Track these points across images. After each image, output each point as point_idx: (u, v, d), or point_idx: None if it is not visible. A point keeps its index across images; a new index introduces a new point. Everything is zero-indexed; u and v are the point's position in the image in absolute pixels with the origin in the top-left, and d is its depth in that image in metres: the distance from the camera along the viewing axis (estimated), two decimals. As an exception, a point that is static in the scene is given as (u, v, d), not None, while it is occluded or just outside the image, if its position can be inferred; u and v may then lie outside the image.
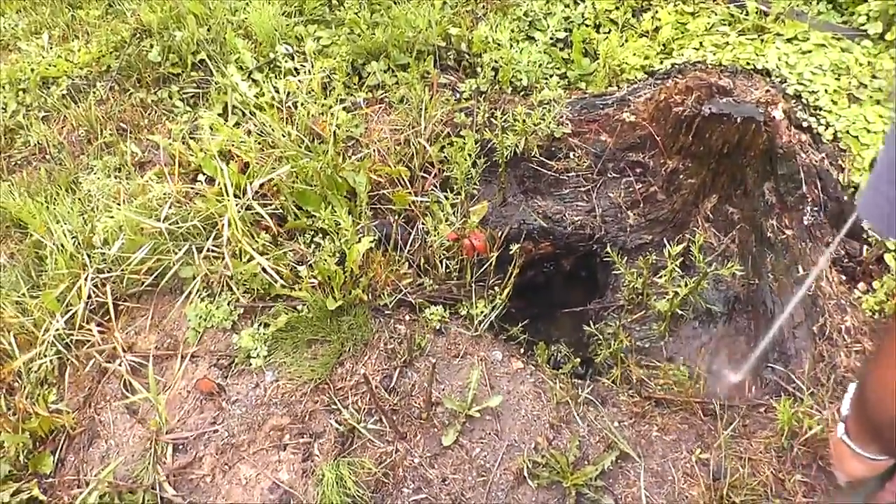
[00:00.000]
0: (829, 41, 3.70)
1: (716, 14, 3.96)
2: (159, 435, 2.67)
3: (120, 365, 2.83)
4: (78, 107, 3.97)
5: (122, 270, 2.97)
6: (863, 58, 3.61)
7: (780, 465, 2.66)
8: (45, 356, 2.85)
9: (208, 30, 4.13)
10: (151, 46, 4.16)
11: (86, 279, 2.95)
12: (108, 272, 3.01)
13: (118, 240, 2.99)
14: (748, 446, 2.64)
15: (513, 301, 3.14)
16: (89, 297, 2.94)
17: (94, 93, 4.04)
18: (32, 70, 4.25)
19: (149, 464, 2.61)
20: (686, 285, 3.12)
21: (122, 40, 4.33)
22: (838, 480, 1.41)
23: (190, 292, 2.96)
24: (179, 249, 2.98)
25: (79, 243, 3.10)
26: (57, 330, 2.87)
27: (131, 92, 4.02)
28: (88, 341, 2.90)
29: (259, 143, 3.30)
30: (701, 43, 3.82)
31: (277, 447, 2.62)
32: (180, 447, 2.66)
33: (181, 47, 4.05)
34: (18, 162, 3.85)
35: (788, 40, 3.76)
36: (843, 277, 3.25)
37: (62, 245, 3.07)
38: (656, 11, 4.05)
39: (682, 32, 3.93)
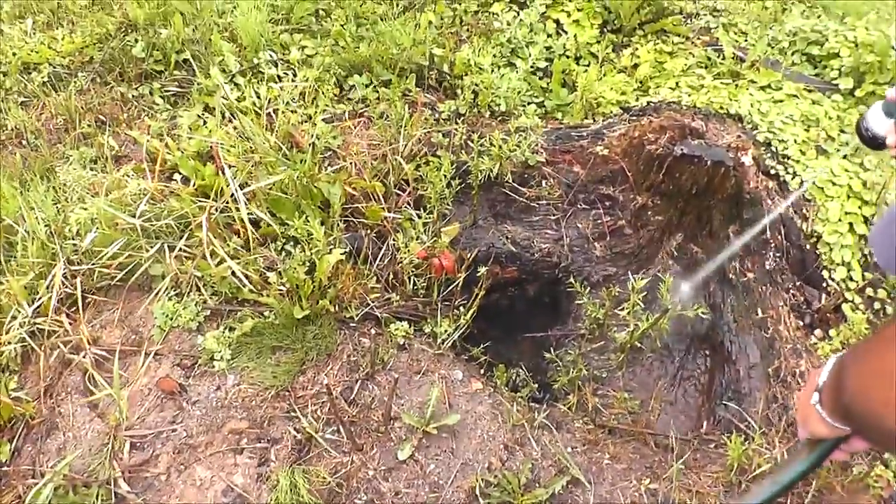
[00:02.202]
0: (801, 92, 3.81)
1: (693, 56, 4.06)
2: (118, 430, 2.68)
3: (84, 357, 2.84)
4: (58, 95, 3.97)
5: (94, 263, 2.98)
6: (832, 111, 3.72)
7: (727, 501, 2.73)
8: (10, 343, 2.85)
9: (194, 30, 4.15)
10: (136, 41, 4.17)
11: (57, 270, 2.95)
12: (79, 264, 3.01)
13: (91, 232, 3.00)
14: (697, 479, 2.71)
15: (476, 322, 3.19)
16: (59, 288, 2.95)
17: (74, 83, 4.04)
18: (14, 54, 4.24)
19: (105, 459, 2.62)
20: (647, 319, 3.19)
21: (107, 33, 4.33)
22: (799, 435, 1.46)
23: (159, 290, 2.97)
24: (151, 247, 3.00)
25: (51, 232, 3.10)
26: (24, 318, 2.87)
27: (112, 85, 4.03)
28: (55, 332, 2.90)
29: (238, 147, 3.33)
30: (677, 83, 3.91)
31: (234, 450, 2.64)
32: (138, 444, 2.67)
33: (166, 45, 4.07)
34: (-6, 145, 3.84)
35: (762, 88, 3.86)
36: (801, 323, 3.34)
37: (34, 232, 3.07)
38: (636, 48, 4.15)
39: (660, 71, 4.02)
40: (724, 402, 3.33)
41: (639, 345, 3.38)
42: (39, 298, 2.94)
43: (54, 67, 4.18)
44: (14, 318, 2.89)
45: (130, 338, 2.94)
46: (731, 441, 2.88)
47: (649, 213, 3.57)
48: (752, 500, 1.47)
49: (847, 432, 1.30)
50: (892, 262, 1.06)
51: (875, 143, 1.92)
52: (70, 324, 2.93)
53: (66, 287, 2.99)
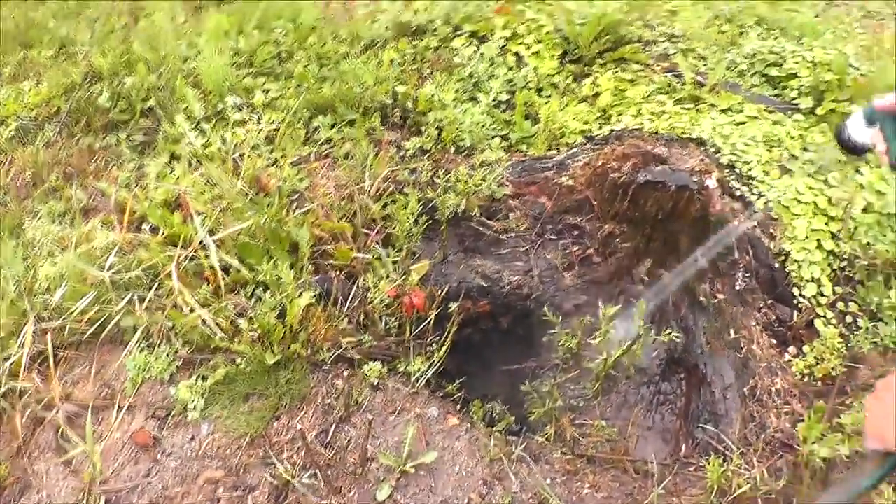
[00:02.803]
0: (762, 113, 3.86)
1: (654, 82, 4.11)
2: (93, 486, 2.66)
3: (57, 414, 2.83)
4: (25, 149, 3.97)
5: (64, 319, 2.98)
6: (794, 131, 3.77)
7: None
8: (-19, 404, 2.84)
9: (158, 77, 4.17)
10: (101, 91, 4.18)
11: (27, 328, 2.94)
12: (50, 320, 3.00)
13: (61, 288, 3.00)
14: (678, 504, 2.72)
15: (451, 358, 3.20)
16: (30, 345, 2.94)
17: (42, 135, 4.05)
18: (-19, 109, 4.25)
19: (81, 515, 2.61)
20: (620, 346, 3.21)
21: (73, 83, 4.35)
22: (868, 446, 1.42)
23: (130, 343, 2.97)
24: (122, 299, 2.99)
25: (21, 290, 3.09)
26: (-4, 378, 2.86)
27: (79, 136, 4.03)
28: (26, 390, 2.89)
29: (206, 194, 3.34)
30: (639, 110, 3.96)
31: (211, 500, 2.63)
32: (113, 499, 2.65)
33: (131, 93, 4.08)
34: (-38, 203, 3.83)
35: (723, 111, 3.91)
36: (774, 341, 3.37)
37: (4, 291, 3.06)
38: (596, 77, 4.19)
39: (621, 99, 4.07)
40: (701, 424, 3.35)
41: (613, 372, 3.40)
42: (10, 357, 2.92)
43: (22, 120, 4.18)
44: (-15, 378, 2.88)
45: (103, 392, 2.93)
46: (709, 463, 2.90)
47: (617, 240, 3.60)
48: None
49: None
50: None
51: (857, 150, 1.97)
52: (42, 381, 2.91)
53: (38, 344, 2.97)
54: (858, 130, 1.94)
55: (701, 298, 3.50)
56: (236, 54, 4.25)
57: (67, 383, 2.96)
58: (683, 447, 3.36)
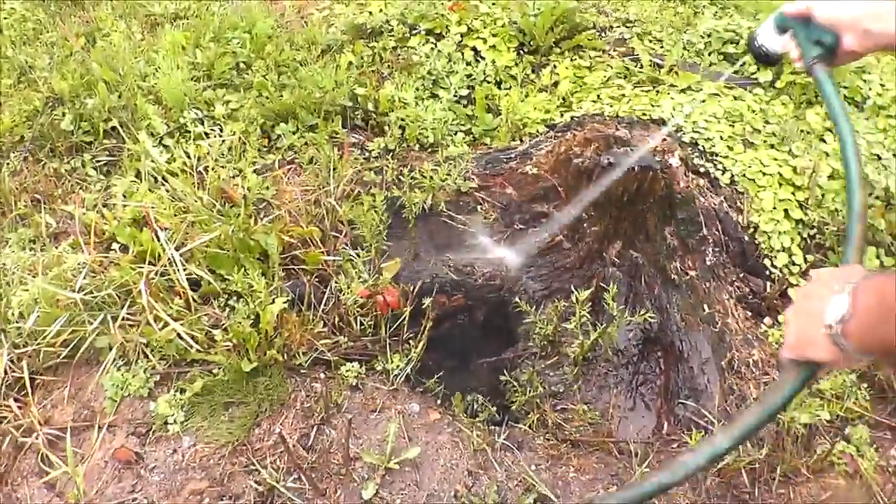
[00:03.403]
0: (721, 90, 3.90)
1: (611, 68, 4.14)
2: (78, 506, 2.67)
3: (37, 439, 2.83)
4: (-9, 179, 3.96)
5: (38, 344, 2.97)
6: (755, 105, 3.82)
7: (695, 497, 2.78)
8: (-39, 436, 2.83)
9: (119, 96, 4.16)
10: (64, 115, 4.16)
11: (2, 356, 2.94)
12: (24, 346, 3.00)
13: (34, 313, 3.00)
14: (662, 481, 2.74)
15: (429, 353, 3.22)
16: (5, 372, 2.94)
17: (7, 164, 4.03)
18: (-56, 141, 4.22)
19: (68, 537, 2.62)
20: (596, 329, 3.24)
21: (35, 109, 4.33)
22: (783, 356, 1.42)
23: (106, 362, 2.97)
24: (95, 319, 3.00)
25: (-7, 318, 3.09)
26: (-28, 408, 2.86)
27: (45, 162, 4.01)
28: (4, 418, 2.89)
29: (172, 209, 3.34)
30: (598, 96, 4.00)
31: (197, 511, 2.65)
32: (99, 518, 2.66)
33: (93, 115, 4.07)
34: (-70, 236, 3.81)
35: (682, 91, 3.95)
36: (749, 314, 3.41)
37: (-24, 321, 3.07)
38: (554, 66, 4.22)
39: (581, 86, 4.10)
40: (681, 400, 3.38)
41: (591, 356, 3.43)
42: (-14, 386, 2.93)
43: (-15, 151, 4.16)
44: (-38, 410, 2.88)
45: (82, 413, 2.93)
46: (692, 438, 2.94)
47: (585, 225, 3.63)
48: (743, 423, 1.42)
49: (865, 361, 1.30)
50: None
51: (769, 59, 2.01)
52: (20, 407, 2.91)
53: (13, 371, 2.97)
54: (770, 39, 1.97)
55: (673, 276, 3.53)
56: (194, 68, 4.25)
57: (46, 407, 2.96)
58: (665, 425, 3.39)
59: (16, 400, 2.95)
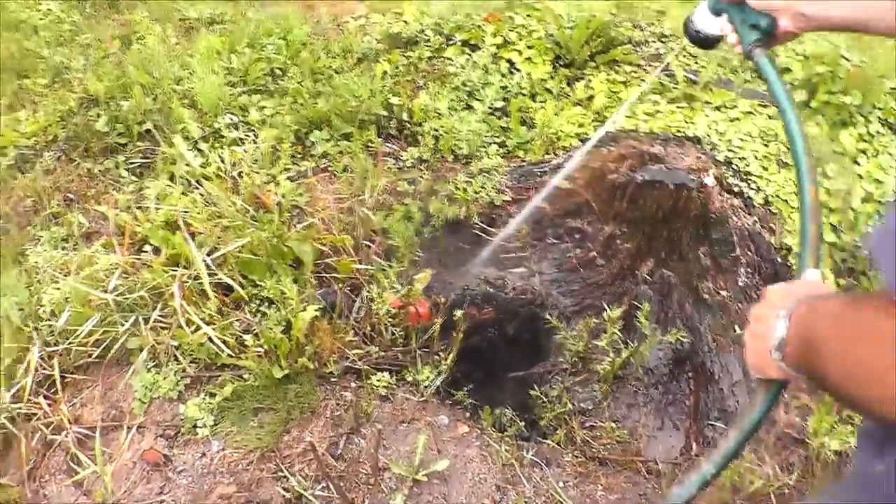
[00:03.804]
0: (756, 109, 3.88)
1: (646, 83, 4.12)
2: (105, 507, 2.67)
3: (66, 437, 2.83)
4: (25, 177, 3.97)
5: (70, 343, 2.98)
6: (790, 124, 3.77)
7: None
8: (-9, 431, 2.84)
9: (154, 99, 4.18)
10: (98, 116, 4.18)
11: (33, 354, 2.95)
12: (56, 345, 3.01)
13: (65, 312, 3.00)
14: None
15: (459, 366, 3.21)
16: (36, 370, 2.94)
17: (41, 163, 4.05)
18: (-21, 140, 4.25)
19: (95, 537, 2.61)
20: (627, 347, 3.22)
21: (70, 110, 4.35)
22: (754, 375, 1.44)
23: (137, 363, 2.97)
24: (126, 320, 3.00)
25: (25, 316, 3.10)
26: (3, 404, 2.86)
27: (78, 162, 4.03)
28: (35, 415, 2.89)
29: (205, 214, 3.34)
30: (633, 111, 3.97)
31: (224, 516, 2.64)
32: (126, 519, 2.66)
33: (128, 117, 4.09)
34: (-37, 233, 3.83)
35: (717, 108, 3.93)
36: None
37: (8, 318, 3.07)
38: (589, 80, 4.21)
39: (615, 101, 4.08)
40: (710, 422, 3.35)
41: (621, 374, 3.41)
42: (17, 383, 2.93)
43: (20, 149, 4.18)
44: (-6, 405, 2.89)
45: (111, 413, 2.93)
46: (720, 460, 2.90)
47: (618, 241, 3.61)
48: (725, 448, 1.44)
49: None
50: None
51: (707, 43, 2.00)
52: (49, 405, 2.92)
53: (44, 369, 2.98)
54: (706, 22, 1.96)
55: (705, 296, 3.51)
56: (230, 73, 4.26)
57: (76, 406, 2.97)
58: (694, 445, 3.36)
59: (46, 397, 2.96)
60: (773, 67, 1.80)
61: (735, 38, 1.88)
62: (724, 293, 3.47)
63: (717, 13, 1.92)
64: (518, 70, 4.21)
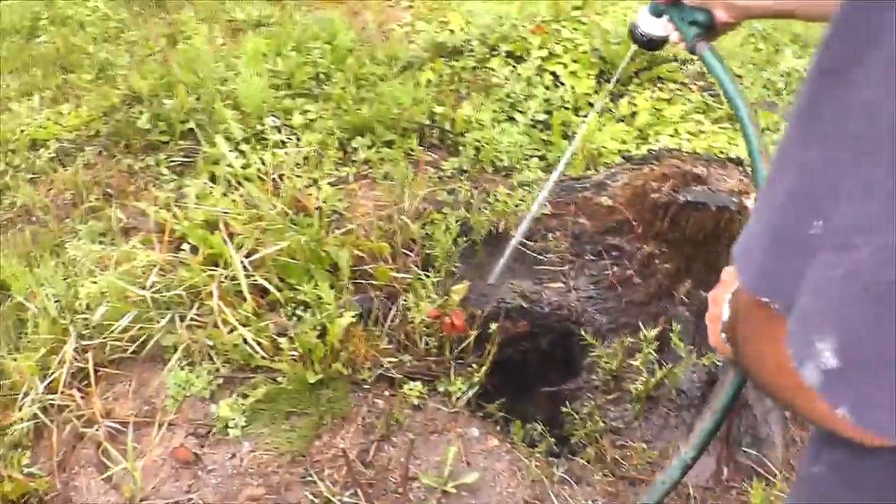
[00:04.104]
0: (800, 132, 3.83)
1: (690, 101, 4.10)
2: (133, 502, 2.66)
3: (97, 430, 2.84)
4: (65, 170, 4.01)
5: (105, 337, 2.99)
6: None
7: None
8: (23, 420, 2.85)
9: (198, 99, 4.20)
10: (141, 113, 4.22)
11: (69, 346, 2.96)
12: (91, 338, 3.02)
13: (102, 306, 3.02)
14: (720, 528, 2.69)
15: (490, 378, 3.19)
16: (70, 363, 2.95)
17: (82, 157, 4.09)
18: (22, 131, 4.29)
19: (122, 532, 2.61)
20: (662, 368, 3.19)
21: (112, 106, 4.39)
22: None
23: (171, 361, 2.97)
24: (163, 318, 3.01)
25: (62, 308, 3.12)
26: (36, 394, 2.88)
27: (119, 158, 4.06)
28: (67, 406, 2.90)
29: (246, 215, 3.35)
30: (676, 130, 3.95)
31: (252, 519, 2.63)
32: (154, 515, 2.66)
33: (170, 115, 4.12)
34: (3, 223, 3.86)
35: (761, 130, 3.88)
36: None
37: (45, 309, 3.09)
38: (633, 97, 4.19)
39: (658, 118, 4.06)
40: (743, 448, 3.31)
41: (655, 394, 3.37)
42: (51, 374, 2.94)
43: (61, 143, 4.22)
44: (26, 394, 2.90)
45: (143, 409, 2.94)
46: (752, 487, 2.87)
47: (657, 261, 3.57)
48: (702, 429, 1.46)
49: None
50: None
51: (653, 44, 2.08)
52: (82, 398, 2.92)
53: (78, 362, 2.99)
54: (650, 25, 2.03)
55: (742, 320, 3.46)
56: (274, 76, 4.28)
57: (108, 400, 2.97)
58: (726, 471, 3.31)
59: (79, 390, 2.96)
60: (716, 58, 1.89)
61: (678, 35, 1.96)
62: (761, 318, 3.42)
63: (659, 15, 2.00)
64: (562, 83, 4.21)
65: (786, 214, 0.89)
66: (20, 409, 2.87)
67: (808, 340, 0.81)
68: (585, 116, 4.06)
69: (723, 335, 1.22)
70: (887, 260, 0.72)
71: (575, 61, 4.25)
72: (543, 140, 3.99)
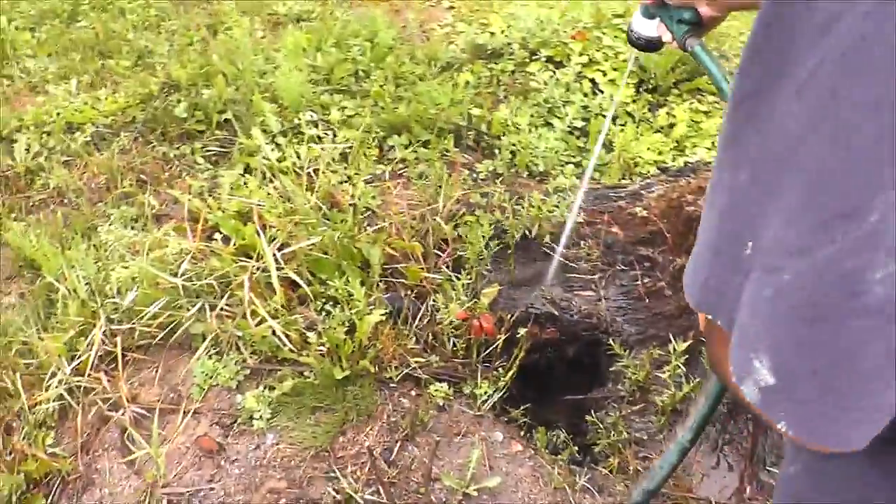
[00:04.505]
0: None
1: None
2: (155, 488, 2.67)
3: (123, 415, 2.84)
4: (100, 154, 4.03)
5: (134, 322, 3.00)
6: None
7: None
8: (49, 400, 2.86)
9: (236, 90, 4.22)
10: (178, 102, 4.24)
11: (98, 329, 2.97)
12: (120, 323, 3.03)
13: (132, 291, 3.03)
14: (741, 547, 2.67)
15: (515, 383, 3.17)
16: (99, 345, 2.97)
17: (117, 142, 4.11)
18: (58, 114, 4.32)
19: (142, 517, 2.62)
20: (689, 382, 3.16)
21: (150, 93, 4.41)
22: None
23: (199, 349, 2.98)
24: (193, 306, 3.01)
25: (92, 291, 3.13)
26: (63, 375, 2.89)
27: (154, 145, 4.08)
28: (93, 389, 2.91)
29: (280, 208, 3.35)
30: (713, 143, 3.92)
31: (273, 511, 2.63)
32: (175, 502, 2.65)
33: (208, 105, 4.13)
34: (36, 203, 3.89)
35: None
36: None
37: (75, 291, 3.10)
38: (672, 108, 4.16)
39: (696, 131, 4.04)
40: (767, 467, 3.27)
41: (680, 408, 3.35)
42: (79, 356, 2.96)
43: (97, 127, 4.25)
44: (53, 375, 2.91)
45: (169, 396, 2.94)
46: (775, 508, 2.83)
47: (690, 274, 3.55)
48: (697, 414, 1.55)
49: None
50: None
51: (650, 46, 2.13)
52: (108, 381, 2.93)
53: (106, 345, 3.01)
54: (645, 28, 2.09)
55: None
56: (314, 71, 4.29)
57: (134, 385, 2.99)
58: (748, 488, 3.28)
59: (106, 373, 2.97)
60: (706, 53, 1.93)
61: (669, 34, 2.01)
62: (791, 337, 3.39)
63: (651, 17, 2.06)
64: (601, 91, 4.19)
65: (721, 234, 0.93)
66: (46, 389, 2.89)
67: (746, 358, 0.84)
68: (623, 126, 4.03)
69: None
70: (810, 283, 0.75)
71: (615, 69, 4.24)
72: (580, 147, 3.97)
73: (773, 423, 0.86)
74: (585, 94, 4.17)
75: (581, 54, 4.30)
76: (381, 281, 3.20)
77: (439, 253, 3.38)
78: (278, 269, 3.07)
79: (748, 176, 0.86)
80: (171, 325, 3.02)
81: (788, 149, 0.79)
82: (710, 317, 0.97)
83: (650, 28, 2.08)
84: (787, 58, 0.79)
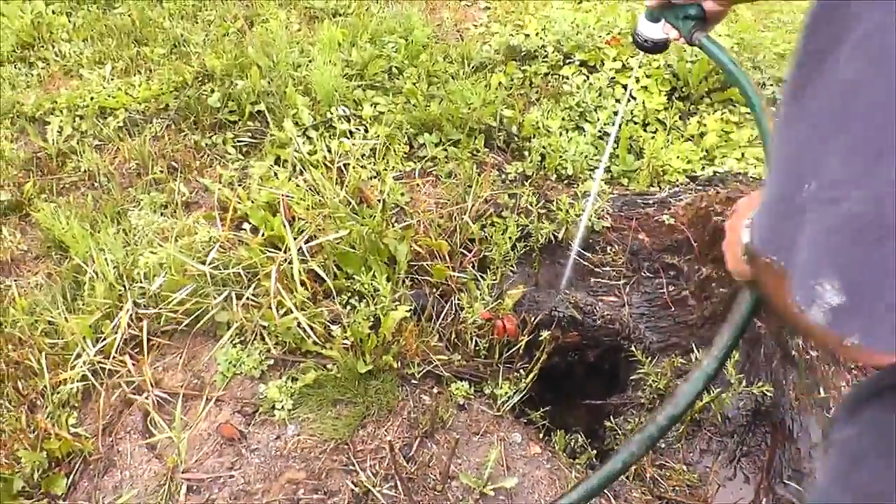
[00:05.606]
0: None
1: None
2: (175, 473, 2.69)
3: (146, 399, 2.87)
4: (132, 140, 4.06)
5: (161, 308, 3.03)
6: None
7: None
8: (73, 380, 2.89)
9: (269, 82, 4.24)
10: (212, 91, 4.27)
11: (124, 312, 3.00)
12: (146, 307, 3.06)
13: (160, 277, 3.05)
14: (756, 560, 2.66)
15: (536, 386, 3.17)
16: (125, 329, 2.99)
17: (149, 128, 4.14)
18: (92, 98, 4.36)
19: (162, 500, 2.63)
20: (709, 392, 3.15)
21: (184, 81, 4.44)
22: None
23: (223, 338, 3.00)
24: (219, 294, 3.04)
25: (119, 274, 3.16)
26: (88, 356, 2.92)
27: (186, 133, 4.11)
28: (117, 372, 2.94)
29: (309, 200, 3.37)
30: (743, 154, 3.91)
31: (291, 501, 2.64)
32: (194, 488, 2.67)
33: (241, 96, 4.16)
34: (67, 186, 3.92)
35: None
36: (863, 404, 3.26)
37: (102, 273, 3.13)
38: (703, 117, 4.15)
39: (726, 141, 4.02)
40: (783, 480, 3.26)
41: (699, 418, 3.34)
42: (104, 338, 2.98)
43: (130, 113, 4.28)
44: (78, 356, 2.94)
45: (193, 382, 2.96)
46: (791, 521, 2.83)
47: (713, 284, 3.54)
48: (721, 343, 1.53)
49: None
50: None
51: (657, 47, 2.24)
52: (133, 365, 2.96)
53: (132, 329, 3.03)
54: (651, 30, 2.20)
55: (793, 353, 3.42)
56: (348, 66, 4.31)
57: (158, 370, 3.01)
58: (764, 501, 3.27)
59: (130, 357, 3.00)
60: (714, 44, 2.01)
61: (677, 33, 2.10)
62: (812, 353, 3.37)
63: (656, 20, 2.16)
64: (633, 97, 4.18)
65: (782, 182, 0.98)
66: (71, 369, 2.92)
67: (810, 287, 0.88)
68: (654, 134, 4.03)
69: (744, 257, 1.29)
70: (872, 207, 0.80)
71: (648, 76, 4.23)
72: (610, 153, 3.96)
73: (840, 342, 0.89)
74: (618, 100, 4.16)
75: (615, 60, 4.30)
76: (406, 277, 3.21)
77: (465, 252, 3.39)
78: (305, 261, 3.08)
79: (809, 125, 0.91)
80: (197, 313, 3.04)
81: (848, 95, 0.84)
82: (769, 259, 1.01)
83: (656, 30, 2.18)
84: (849, 16, 0.84)
